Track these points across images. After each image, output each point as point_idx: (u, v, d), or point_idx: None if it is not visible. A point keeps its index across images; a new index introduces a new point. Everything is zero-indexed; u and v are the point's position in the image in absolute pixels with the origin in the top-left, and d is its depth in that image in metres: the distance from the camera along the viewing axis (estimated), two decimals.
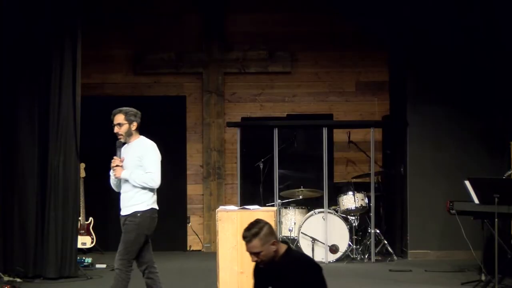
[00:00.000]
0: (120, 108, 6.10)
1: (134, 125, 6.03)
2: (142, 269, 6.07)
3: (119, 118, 5.99)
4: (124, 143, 6.04)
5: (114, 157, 6.01)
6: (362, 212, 9.80)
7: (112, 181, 6.12)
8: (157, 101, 11.08)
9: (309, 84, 11.15)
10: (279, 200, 9.87)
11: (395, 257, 9.67)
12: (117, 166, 5.97)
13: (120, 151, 6.02)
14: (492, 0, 9.36)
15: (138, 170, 5.96)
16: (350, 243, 9.59)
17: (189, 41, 11.10)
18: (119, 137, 6.02)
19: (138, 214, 5.97)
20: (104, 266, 9.22)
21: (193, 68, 11.05)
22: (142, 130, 11.72)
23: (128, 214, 6.00)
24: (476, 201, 7.46)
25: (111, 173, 6.03)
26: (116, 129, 6.01)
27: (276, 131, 9.86)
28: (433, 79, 9.89)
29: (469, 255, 8.65)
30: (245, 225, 6.23)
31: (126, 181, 5.96)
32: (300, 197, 9.98)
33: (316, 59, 11.12)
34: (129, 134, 6.00)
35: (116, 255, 6.01)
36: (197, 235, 11.02)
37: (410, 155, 9.90)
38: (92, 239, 10.09)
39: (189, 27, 11.10)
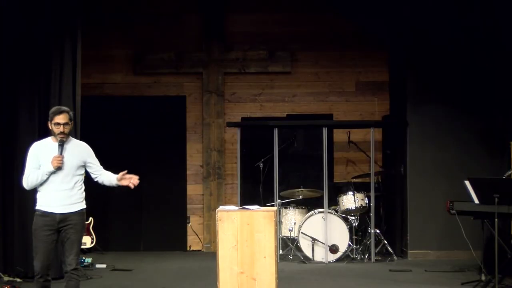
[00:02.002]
0: (62, 108, 6.12)
1: (72, 125, 6.14)
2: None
3: (65, 117, 6.00)
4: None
5: (60, 156, 5.98)
6: (362, 212, 9.80)
7: (40, 178, 5.98)
8: (157, 101, 11.09)
9: (309, 84, 11.16)
10: (279, 200, 9.87)
11: (395, 257, 9.67)
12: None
13: (61, 149, 6.04)
14: (492, 0, 9.35)
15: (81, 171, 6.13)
16: (350, 243, 9.59)
17: (189, 41, 11.10)
18: (62, 136, 6.00)
19: (84, 211, 6.13)
20: (104, 266, 9.23)
21: (193, 68, 11.05)
22: (143, 130, 11.74)
23: (72, 212, 6.02)
24: (476, 201, 7.47)
25: (47, 169, 5.95)
26: (62, 129, 5.99)
27: (276, 131, 9.86)
28: (433, 79, 9.89)
29: (469, 255, 8.66)
30: (245, 225, 6.25)
31: (65, 178, 5.99)
32: (300, 197, 9.99)
33: (316, 59, 11.12)
34: (69, 133, 6.09)
35: (73, 256, 5.95)
36: (197, 235, 11.02)
37: (410, 155, 9.90)
38: (92, 239, 10.09)
39: (189, 27, 11.10)
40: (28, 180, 6.00)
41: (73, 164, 6.05)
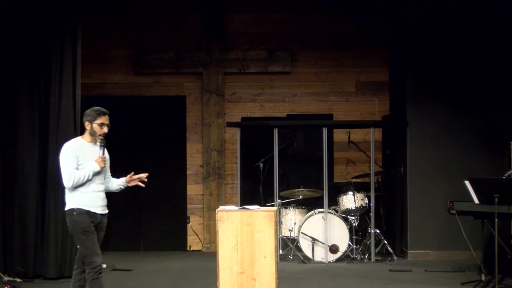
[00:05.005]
0: (104, 109, 6.15)
1: None
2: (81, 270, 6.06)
3: (108, 119, 6.09)
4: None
5: (104, 156, 6.06)
6: (362, 212, 9.80)
7: (86, 177, 5.95)
8: (157, 101, 11.09)
9: (309, 84, 11.16)
10: (279, 200, 9.87)
11: (395, 257, 9.67)
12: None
13: (103, 150, 6.10)
14: (493, 0, 9.35)
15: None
16: (350, 243, 9.59)
17: (189, 41, 11.11)
18: (103, 137, 6.07)
19: None
20: (104, 266, 9.20)
21: (193, 68, 11.06)
22: (143, 130, 11.76)
23: (105, 214, 6.13)
24: (476, 201, 7.47)
25: (92, 169, 5.94)
26: (106, 129, 6.09)
27: (276, 131, 9.86)
28: (433, 79, 9.89)
29: (469, 255, 8.67)
30: (245, 225, 6.25)
31: (100, 179, 6.06)
32: (300, 197, 9.99)
33: (316, 59, 11.13)
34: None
35: (100, 254, 6.00)
36: (197, 235, 11.02)
37: (410, 155, 9.90)
38: None
39: (189, 27, 11.10)
40: (74, 179, 5.90)
41: (107, 166, 6.15)
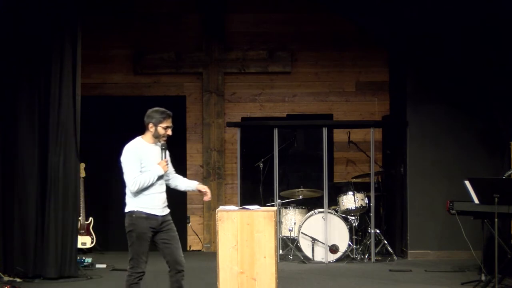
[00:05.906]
0: (168, 111, 6.09)
1: None
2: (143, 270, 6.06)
3: (171, 121, 6.04)
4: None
5: (166, 160, 6.03)
6: (362, 212, 9.80)
7: (151, 181, 5.90)
8: (157, 101, 10.98)
9: (309, 84, 11.16)
10: (279, 200, 9.87)
11: (395, 257, 9.67)
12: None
13: (165, 153, 6.07)
14: (493, 1, 9.35)
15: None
16: (350, 243, 9.59)
17: (189, 41, 11.11)
18: (166, 140, 6.04)
19: None
20: (104, 266, 9.22)
21: (193, 68, 11.06)
22: (142, 129, 11.70)
23: (167, 214, 6.09)
24: (476, 201, 7.47)
25: (156, 172, 5.89)
26: (170, 132, 6.05)
27: (276, 131, 9.86)
28: (433, 79, 9.89)
29: (469, 255, 8.66)
30: (245, 225, 6.26)
31: (162, 181, 6.02)
32: (300, 197, 9.98)
33: (316, 59, 11.13)
34: None
35: (182, 254, 6.06)
36: (197, 235, 11.02)
37: (410, 155, 9.90)
38: (92, 239, 10.09)
39: (189, 27, 11.10)
40: (140, 184, 5.84)
41: (170, 166, 6.11)
